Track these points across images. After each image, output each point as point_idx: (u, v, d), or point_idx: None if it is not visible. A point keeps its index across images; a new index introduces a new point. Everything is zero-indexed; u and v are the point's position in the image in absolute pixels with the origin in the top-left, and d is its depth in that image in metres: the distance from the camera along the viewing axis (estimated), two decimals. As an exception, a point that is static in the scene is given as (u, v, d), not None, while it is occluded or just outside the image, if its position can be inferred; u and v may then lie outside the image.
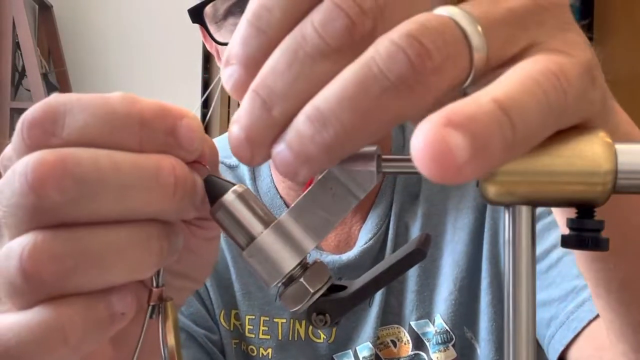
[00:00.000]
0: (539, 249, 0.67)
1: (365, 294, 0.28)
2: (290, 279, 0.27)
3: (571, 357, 0.62)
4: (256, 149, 0.25)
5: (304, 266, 0.27)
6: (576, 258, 0.42)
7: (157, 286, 0.29)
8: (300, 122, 0.23)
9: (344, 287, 0.28)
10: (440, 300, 0.71)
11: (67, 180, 0.24)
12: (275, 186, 0.74)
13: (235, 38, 0.25)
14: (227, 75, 0.25)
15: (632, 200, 0.35)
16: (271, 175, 0.75)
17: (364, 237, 0.72)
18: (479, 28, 0.23)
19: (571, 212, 0.26)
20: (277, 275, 0.27)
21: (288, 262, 0.27)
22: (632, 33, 2.97)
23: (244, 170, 0.76)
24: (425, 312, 0.72)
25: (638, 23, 2.93)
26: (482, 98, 0.21)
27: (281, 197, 0.74)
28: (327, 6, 0.23)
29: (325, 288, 0.28)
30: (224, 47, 0.66)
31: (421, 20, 0.22)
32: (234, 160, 0.76)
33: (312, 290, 0.27)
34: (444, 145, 0.20)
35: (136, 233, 0.26)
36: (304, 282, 0.27)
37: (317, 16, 0.23)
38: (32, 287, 0.24)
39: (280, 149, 0.24)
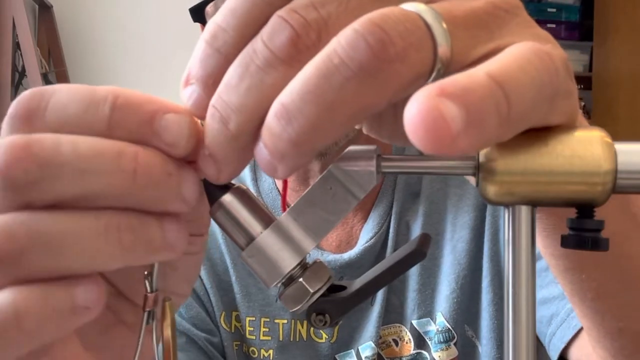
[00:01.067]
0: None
1: (365, 294, 0.28)
2: (290, 279, 0.27)
3: (572, 355, 0.62)
4: (220, 165, 0.25)
5: (303, 266, 0.27)
6: (551, 268, 0.42)
7: (152, 291, 0.29)
8: (270, 119, 0.23)
9: (343, 287, 0.28)
10: (441, 298, 0.71)
11: (30, 162, 0.24)
12: (276, 187, 0.74)
13: (194, 58, 0.26)
14: (187, 95, 0.26)
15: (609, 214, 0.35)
16: None
17: (365, 236, 0.72)
18: (443, 23, 0.23)
19: (571, 212, 0.26)
20: (276, 275, 0.27)
21: (288, 262, 0.27)
22: (632, 33, 2.97)
23: (246, 170, 0.76)
24: (427, 311, 0.72)
25: (638, 23, 2.93)
26: (476, 72, 0.21)
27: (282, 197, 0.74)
28: (273, 20, 0.24)
29: (325, 288, 0.28)
30: None
31: (384, 11, 0.23)
32: None
33: (311, 291, 0.27)
34: (437, 114, 0.19)
35: (94, 221, 0.25)
36: (304, 282, 0.27)
37: (265, 30, 0.24)
38: None
39: (259, 147, 0.24)
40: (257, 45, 0.24)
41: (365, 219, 0.73)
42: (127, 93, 0.26)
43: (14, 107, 0.26)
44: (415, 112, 0.20)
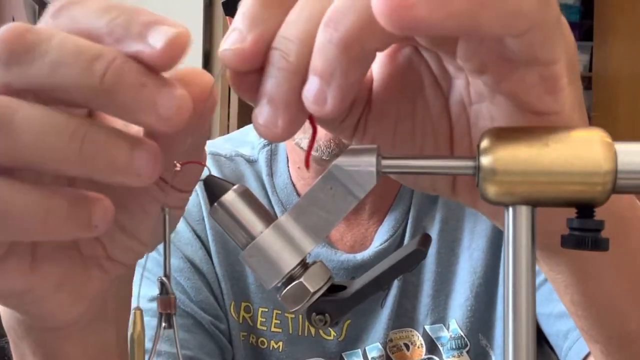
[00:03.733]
0: None
1: (365, 294, 0.28)
2: (290, 279, 0.27)
3: None
4: (278, 109, 0.25)
5: (304, 266, 0.27)
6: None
7: (167, 293, 0.29)
8: (319, 33, 0.24)
9: (344, 287, 0.28)
10: (455, 305, 0.71)
11: (18, 45, 0.25)
12: (292, 182, 0.74)
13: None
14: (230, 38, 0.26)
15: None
16: (288, 172, 0.75)
17: (380, 238, 0.72)
18: None
19: (571, 212, 0.26)
20: (277, 275, 0.27)
21: (288, 262, 0.27)
22: (632, 33, 2.97)
23: (262, 165, 0.76)
24: (440, 317, 0.72)
25: (638, 23, 2.93)
26: None
27: (298, 194, 0.74)
28: None
29: (325, 288, 0.28)
30: None
31: None
32: (253, 155, 0.76)
33: (312, 290, 0.27)
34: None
35: (64, 121, 0.25)
36: (304, 282, 0.27)
37: None
38: None
39: (308, 81, 0.24)
40: None
41: (381, 221, 0.73)
42: (143, 9, 0.26)
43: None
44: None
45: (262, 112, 0.25)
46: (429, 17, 0.21)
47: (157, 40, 0.25)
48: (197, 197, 0.73)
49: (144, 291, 0.32)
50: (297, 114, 0.25)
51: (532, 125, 0.27)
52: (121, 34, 0.25)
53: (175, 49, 0.25)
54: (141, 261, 0.34)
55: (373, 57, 0.26)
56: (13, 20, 2.23)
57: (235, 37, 0.26)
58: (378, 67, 0.33)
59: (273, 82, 0.25)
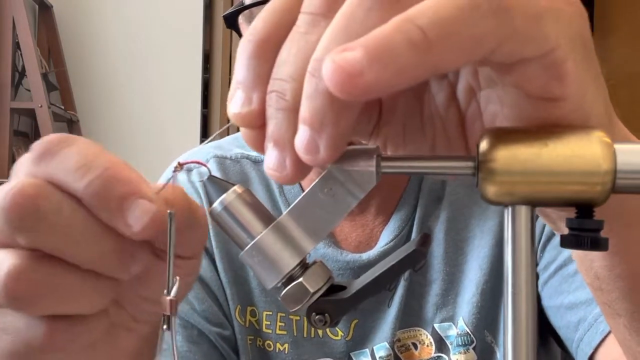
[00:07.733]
0: (567, 253, 0.66)
1: (365, 294, 0.28)
2: (290, 279, 0.27)
3: (598, 359, 0.62)
4: (284, 152, 0.25)
5: (304, 266, 0.27)
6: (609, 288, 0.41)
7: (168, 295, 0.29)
8: (306, 81, 0.24)
9: (344, 287, 0.28)
10: (463, 303, 0.71)
11: (30, 213, 0.28)
12: (300, 183, 0.74)
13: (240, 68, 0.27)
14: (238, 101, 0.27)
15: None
16: None
17: (386, 238, 0.72)
18: None
19: (571, 212, 0.26)
20: (277, 275, 0.27)
21: (288, 262, 0.27)
22: (632, 33, 2.97)
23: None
24: (449, 316, 0.72)
25: (638, 23, 2.93)
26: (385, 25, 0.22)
27: None
28: None
29: (325, 288, 0.28)
30: None
31: None
32: (259, 155, 0.76)
33: (311, 291, 0.27)
34: (337, 65, 0.21)
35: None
36: (304, 282, 0.27)
37: (303, 4, 0.25)
38: None
39: (299, 130, 0.24)
40: (299, 18, 0.25)
41: (386, 221, 0.73)
42: (119, 168, 0.28)
43: (37, 144, 0.29)
44: (324, 70, 0.21)
45: (270, 156, 0.25)
46: (379, 80, 0.21)
47: (135, 221, 0.28)
48: (201, 202, 0.73)
49: None
50: (296, 152, 0.25)
51: (532, 126, 0.27)
52: (98, 204, 0.28)
53: (151, 229, 0.28)
54: None
55: (362, 103, 0.25)
56: (13, 20, 2.22)
57: (240, 98, 0.26)
58: None
59: (274, 124, 0.25)
